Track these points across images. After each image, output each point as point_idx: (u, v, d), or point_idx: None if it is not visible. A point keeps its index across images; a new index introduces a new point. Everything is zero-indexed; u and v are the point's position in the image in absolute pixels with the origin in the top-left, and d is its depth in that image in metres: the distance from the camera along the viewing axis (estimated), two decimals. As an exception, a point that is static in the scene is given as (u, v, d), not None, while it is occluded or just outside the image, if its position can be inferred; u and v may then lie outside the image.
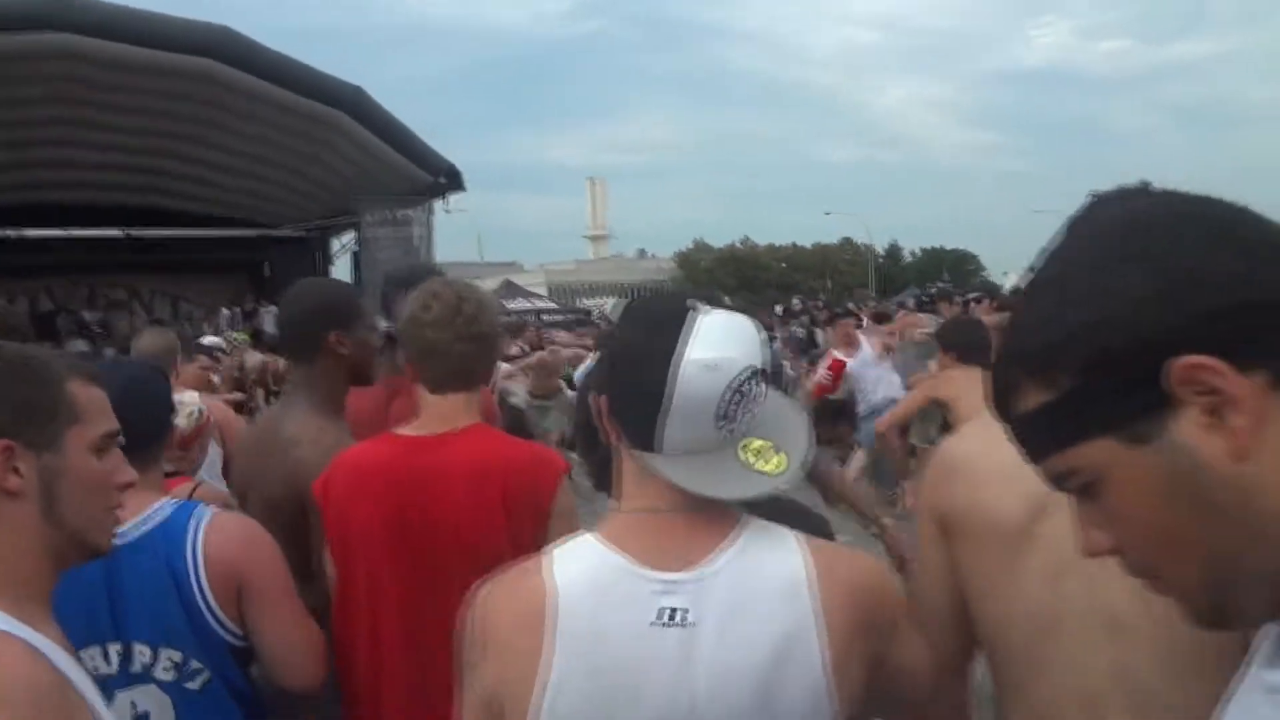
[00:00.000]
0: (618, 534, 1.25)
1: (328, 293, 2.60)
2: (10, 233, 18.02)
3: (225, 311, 19.64)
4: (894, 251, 69.91)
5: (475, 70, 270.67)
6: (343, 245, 22.46)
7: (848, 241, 66.66)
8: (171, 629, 1.80)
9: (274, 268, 21.16)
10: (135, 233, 19.19)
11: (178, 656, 1.80)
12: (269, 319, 18.00)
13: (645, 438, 1.24)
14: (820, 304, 18.28)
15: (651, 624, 1.19)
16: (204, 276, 21.90)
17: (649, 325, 1.27)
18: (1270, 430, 0.66)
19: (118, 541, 1.56)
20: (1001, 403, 0.78)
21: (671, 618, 1.19)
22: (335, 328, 2.41)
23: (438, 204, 20.77)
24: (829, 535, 1.80)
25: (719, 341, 1.22)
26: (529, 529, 1.90)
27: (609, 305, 28.05)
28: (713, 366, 1.21)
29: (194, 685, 1.81)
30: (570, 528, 1.69)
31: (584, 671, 1.18)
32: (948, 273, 47.69)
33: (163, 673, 1.81)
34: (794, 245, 72.47)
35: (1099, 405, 0.70)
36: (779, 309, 16.94)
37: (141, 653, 1.80)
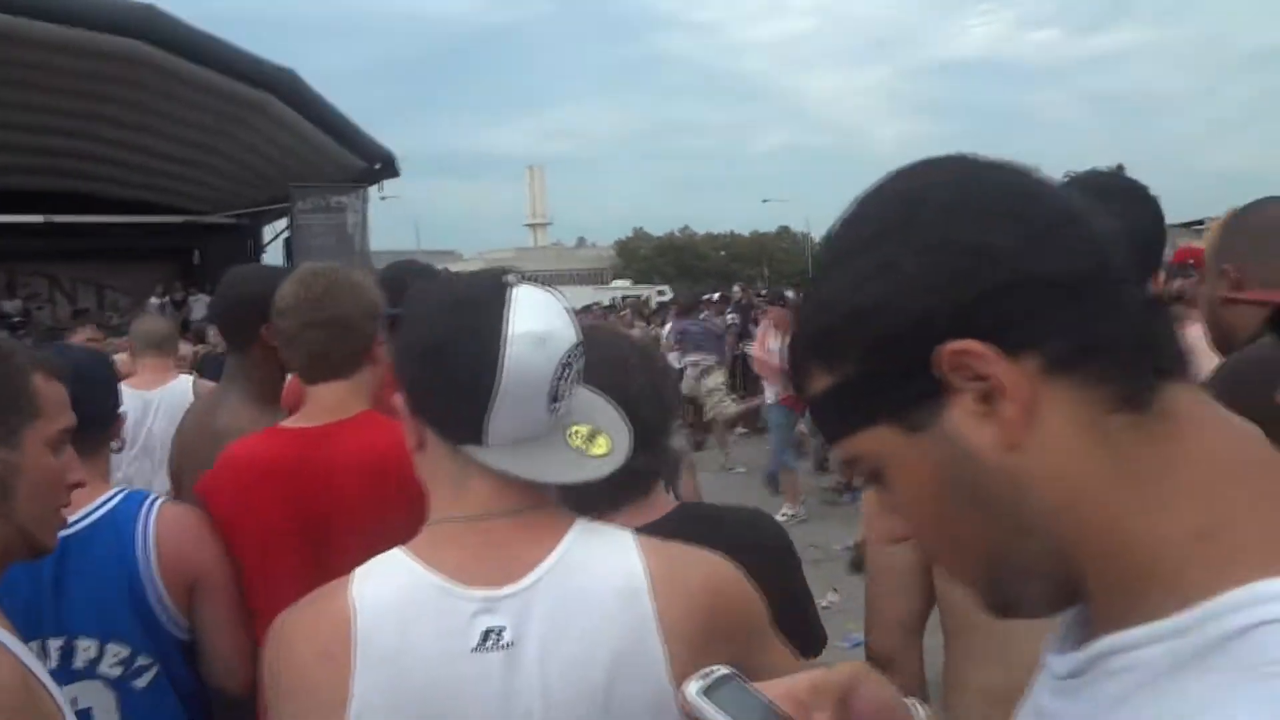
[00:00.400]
0: (432, 547, 1.12)
1: (263, 281, 2.44)
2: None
3: (154, 300, 19.09)
4: (830, 240, 70.86)
5: (413, 56, 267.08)
6: (276, 232, 22.02)
7: (785, 230, 67.37)
8: (120, 623, 1.75)
9: (204, 255, 20.69)
10: (57, 219, 18.55)
11: (125, 652, 1.75)
12: (199, 307, 17.56)
13: (469, 430, 1.10)
14: (760, 292, 18.45)
15: (474, 650, 1.06)
16: (131, 264, 21.31)
17: (461, 304, 1.13)
18: (1043, 418, 0.63)
19: (65, 533, 1.53)
20: (796, 385, 0.75)
21: (493, 640, 1.06)
22: (270, 318, 2.24)
23: (373, 191, 20.46)
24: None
25: (543, 313, 1.12)
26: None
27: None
28: (543, 339, 1.10)
29: (141, 682, 1.77)
30: None
31: (390, 707, 1.04)
32: (883, 261, 48.39)
33: (109, 668, 1.75)
34: (732, 234, 73.07)
35: (877, 391, 0.67)
36: (715, 296, 17.02)
37: (86, 648, 1.74)
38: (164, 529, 1.81)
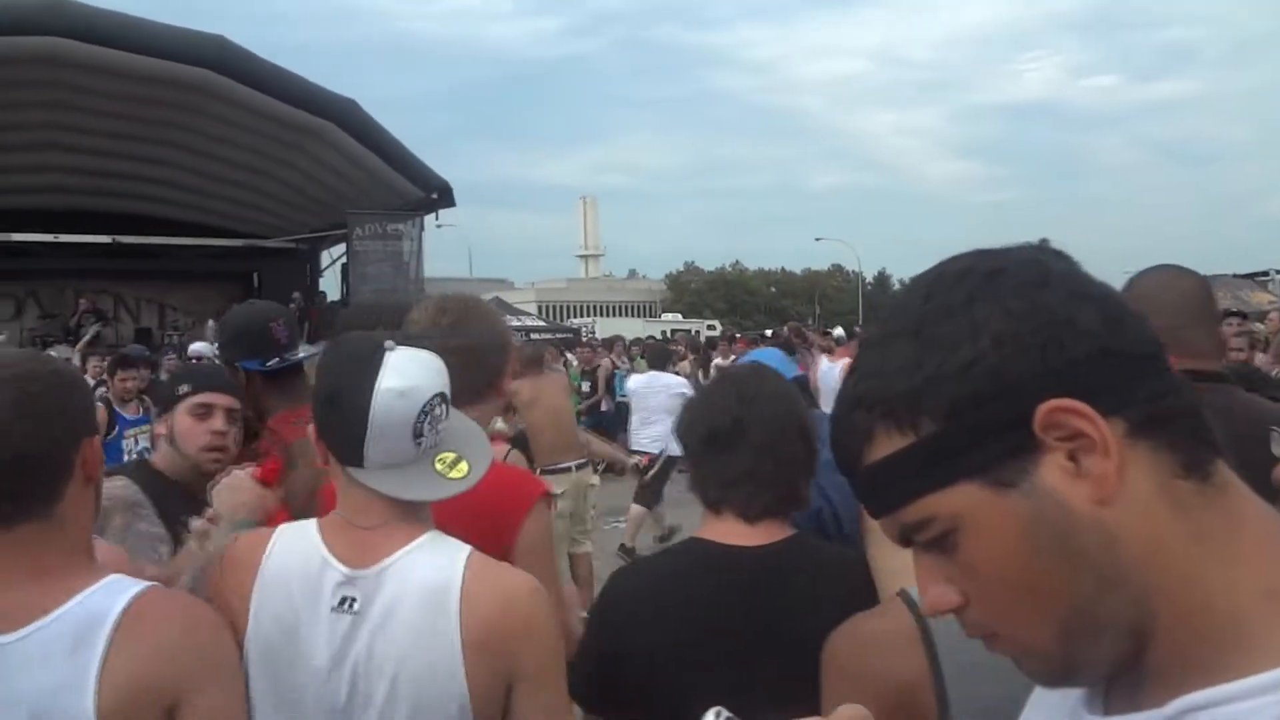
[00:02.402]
0: (329, 529, 1.51)
1: (238, 321, 2.71)
2: (-3, 236, 17.95)
3: (212, 322, 19.49)
4: (882, 279, 70.29)
5: (469, 88, 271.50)
6: (333, 258, 22.42)
7: (837, 268, 67.05)
8: None
9: (263, 278, 21.08)
10: (123, 239, 19.08)
11: None
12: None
13: (352, 456, 1.46)
14: (809, 328, 18.46)
15: (333, 610, 1.44)
16: (192, 285, 21.80)
17: (350, 361, 1.49)
18: (1129, 478, 0.66)
19: None
20: (848, 453, 0.75)
21: (347, 605, 1.44)
22: (238, 359, 2.58)
23: (428, 219, 20.76)
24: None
25: (408, 373, 1.46)
26: (505, 558, 1.73)
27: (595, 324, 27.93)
28: (404, 393, 1.45)
29: None
30: (540, 564, 1.77)
31: (269, 623, 1.45)
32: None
33: None
34: (783, 270, 72.88)
35: (963, 450, 0.69)
36: (769, 333, 17.01)
37: None
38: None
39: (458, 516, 1.69)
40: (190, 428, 2.39)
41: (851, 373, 0.77)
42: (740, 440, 1.67)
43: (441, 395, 1.49)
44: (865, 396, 0.73)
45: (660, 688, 1.64)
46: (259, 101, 16.95)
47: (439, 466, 1.50)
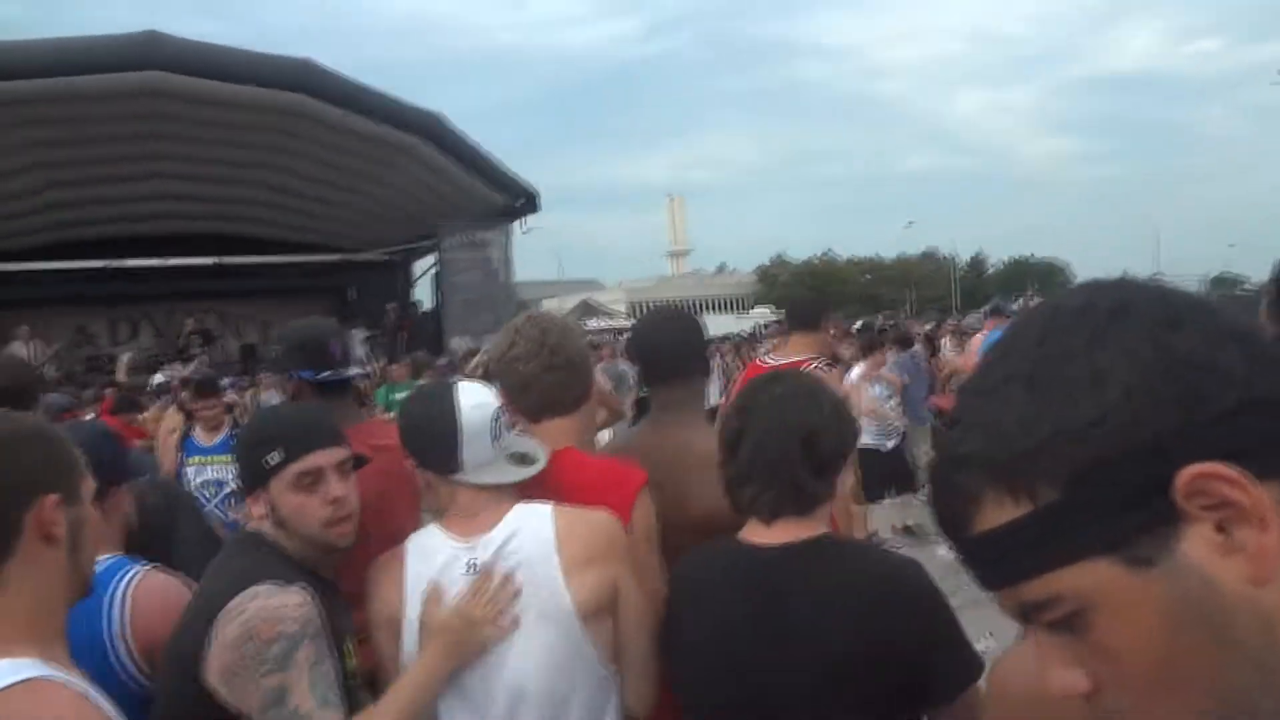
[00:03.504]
0: (446, 523, 1.94)
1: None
2: (111, 263, 18.82)
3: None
4: (977, 263, 68.48)
5: (552, 93, 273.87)
6: (424, 269, 22.87)
7: (930, 253, 65.62)
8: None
9: (358, 292, 21.62)
10: (226, 260, 19.80)
11: None
12: (353, 342, 18.36)
13: (451, 464, 1.92)
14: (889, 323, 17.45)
15: (462, 575, 1.86)
16: (292, 301, 22.40)
17: (430, 399, 1.99)
18: None
19: None
20: (952, 517, 0.66)
21: (469, 568, 1.85)
22: (294, 368, 2.60)
23: (516, 224, 21.01)
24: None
25: (475, 393, 1.98)
26: None
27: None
28: (478, 406, 1.94)
29: None
30: (649, 546, 2.06)
31: (420, 597, 1.86)
32: (1035, 284, 46.52)
33: None
34: (876, 258, 71.66)
35: (1090, 522, 0.59)
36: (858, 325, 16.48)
37: None
38: (139, 597, 1.95)
39: (568, 497, 2.05)
40: (300, 506, 1.89)
41: (954, 424, 0.67)
42: (740, 445, 1.82)
43: (500, 409, 1.99)
44: (973, 457, 0.64)
45: (686, 675, 1.87)
46: (347, 120, 17.38)
47: (512, 462, 1.97)
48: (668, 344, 2.50)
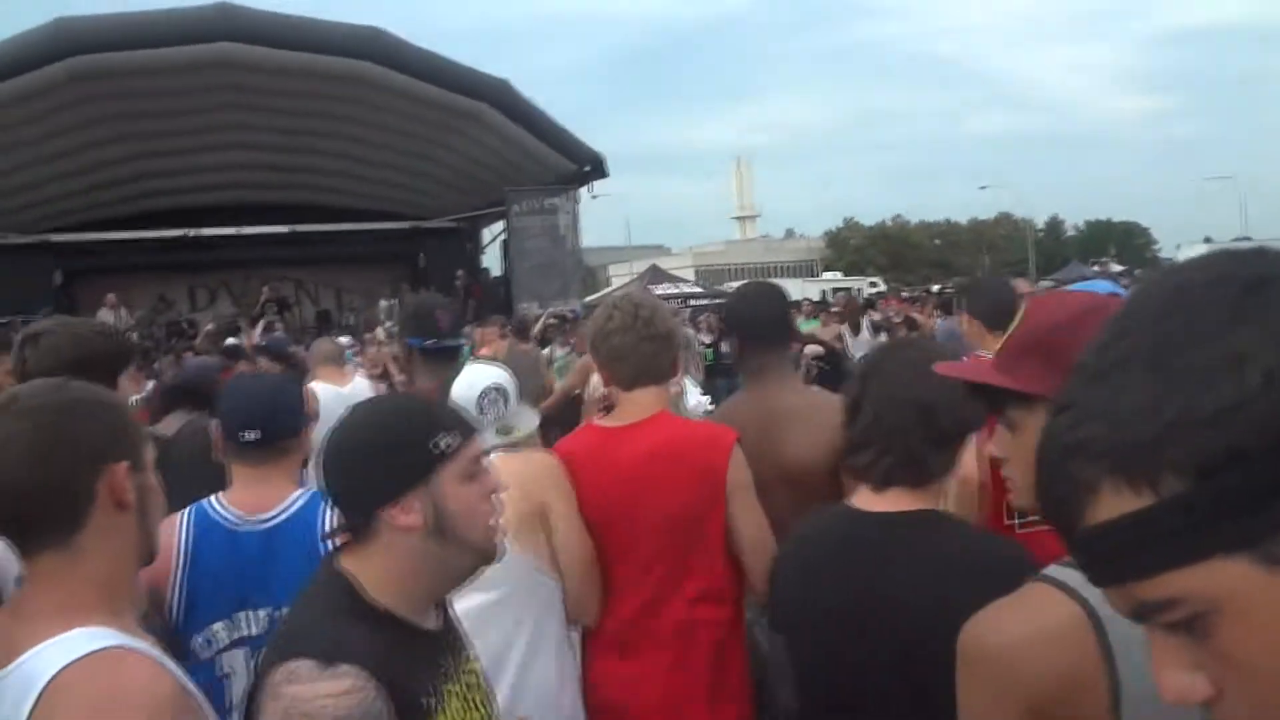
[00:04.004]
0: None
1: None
2: (188, 232, 19.28)
3: (383, 302, 20.38)
4: (1054, 226, 66.77)
5: (618, 56, 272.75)
6: (493, 235, 23.01)
7: (1005, 216, 64.16)
8: None
9: (428, 258, 21.86)
10: (300, 228, 20.16)
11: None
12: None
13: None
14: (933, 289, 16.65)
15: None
16: (364, 268, 22.83)
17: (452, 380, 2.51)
18: None
19: (270, 523, 2.18)
20: (1063, 508, 0.61)
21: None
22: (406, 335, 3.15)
23: (583, 190, 21.02)
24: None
25: (473, 374, 2.48)
26: (719, 499, 2.30)
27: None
28: (472, 385, 2.43)
29: None
30: (747, 498, 2.30)
31: None
32: (1114, 247, 45.21)
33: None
34: (948, 222, 70.33)
35: (1221, 517, 0.54)
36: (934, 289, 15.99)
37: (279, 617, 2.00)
38: None
39: (672, 470, 2.30)
40: (472, 503, 1.48)
41: (1065, 409, 0.62)
42: (858, 413, 1.83)
43: (497, 388, 2.44)
44: (1088, 443, 0.58)
45: (792, 634, 1.90)
46: (416, 88, 17.51)
47: (499, 432, 2.39)
48: (764, 316, 2.80)
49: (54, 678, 1.19)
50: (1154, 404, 0.56)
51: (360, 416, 1.50)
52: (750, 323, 2.80)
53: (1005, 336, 1.44)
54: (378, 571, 1.44)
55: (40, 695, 1.19)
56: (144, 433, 1.45)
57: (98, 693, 1.20)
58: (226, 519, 2.18)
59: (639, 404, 2.39)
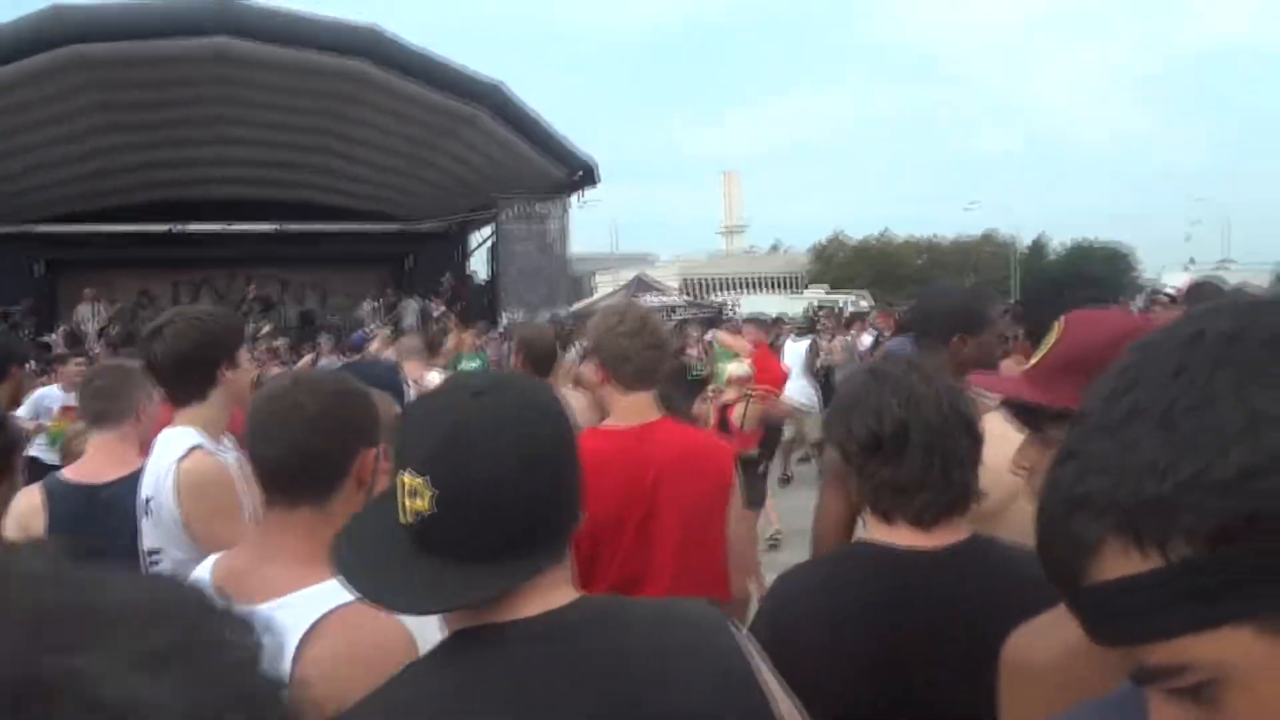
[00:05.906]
0: None
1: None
2: (173, 227, 19.07)
3: (368, 304, 20.25)
4: (1038, 246, 67.16)
5: (608, 62, 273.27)
6: (481, 240, 22.91)
7: (990, 235, 64.51)
8: None
9: (415, 261, 21.74)
10: (287, 227, 19.99)
11: None
12: (409, 312, 18.48)
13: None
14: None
15: None
16: (350, 269, 22.67)
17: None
18: None
19: None
20: (1062, 564, 0.58)
21: None
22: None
23: (572, 197, 20.97)
24: None
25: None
26: (723, 498, 2.53)
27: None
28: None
29: None
30: (738, 499, 2.60)
31: None
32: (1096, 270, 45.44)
33: None
34: (933, 239, 70.71)
35: (1237, 585, 0.52)
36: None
37: None
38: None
39: (696, 476, 2.49)
40: None
41: (1069, 459, 0.59)
42: (905, 445, 1.60)
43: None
44: (1093, 498, 0.56)
45: (830, 691, 1.56)
46: (410, 90, 17.40)
47: None
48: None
49: (315, 623, 1.41)
50: (1164, 463, 0.54)
51: None
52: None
53: (1041, 353, 1.43)
54: None
55: (303, 638, 1.39)
56: (388, 426, 1.64)
57: (361, 639, 1.42)
58: None
59: (638, 407, 2.55)
